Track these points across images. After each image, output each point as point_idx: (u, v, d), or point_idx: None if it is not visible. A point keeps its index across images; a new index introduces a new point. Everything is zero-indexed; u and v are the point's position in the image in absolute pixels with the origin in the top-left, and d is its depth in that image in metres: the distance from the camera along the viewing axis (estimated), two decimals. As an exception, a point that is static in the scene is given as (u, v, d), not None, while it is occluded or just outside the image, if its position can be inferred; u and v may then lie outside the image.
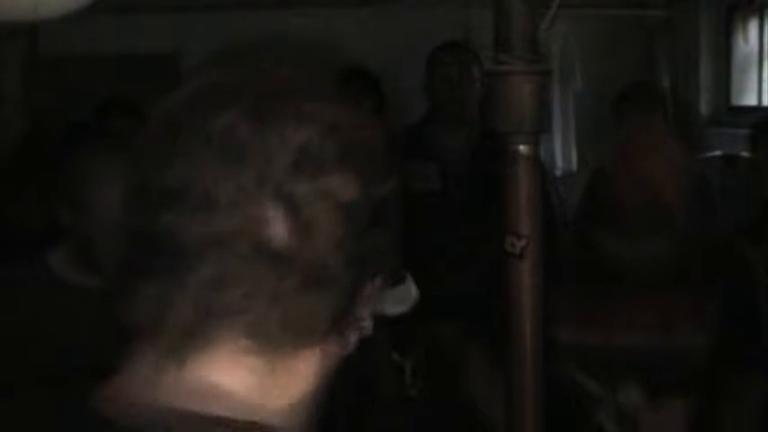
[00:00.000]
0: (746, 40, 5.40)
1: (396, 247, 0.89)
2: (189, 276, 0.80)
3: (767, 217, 3.41)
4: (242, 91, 0.84)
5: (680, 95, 5.55)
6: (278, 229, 0.79)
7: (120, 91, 4.40)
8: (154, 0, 5.16)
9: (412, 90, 3.82)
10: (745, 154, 4.77)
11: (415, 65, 3.81)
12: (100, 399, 0.84)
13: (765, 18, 5.32)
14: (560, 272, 2.02)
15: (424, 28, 4.79)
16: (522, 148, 1.46)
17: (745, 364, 2.06)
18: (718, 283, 2.08)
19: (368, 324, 0.89)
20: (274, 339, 0.82)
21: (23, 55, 5.30)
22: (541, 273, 1.52)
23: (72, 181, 2.14)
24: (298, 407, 0.87)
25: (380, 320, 0.92)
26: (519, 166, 1.46)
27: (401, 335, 0.93)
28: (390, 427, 2.19)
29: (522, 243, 1.47)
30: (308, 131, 0.81)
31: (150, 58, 5.28)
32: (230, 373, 0.83)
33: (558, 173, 5.64)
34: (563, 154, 5.77)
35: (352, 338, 0.89)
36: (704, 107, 5.53)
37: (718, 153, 4.80)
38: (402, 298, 0.94)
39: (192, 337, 0.82)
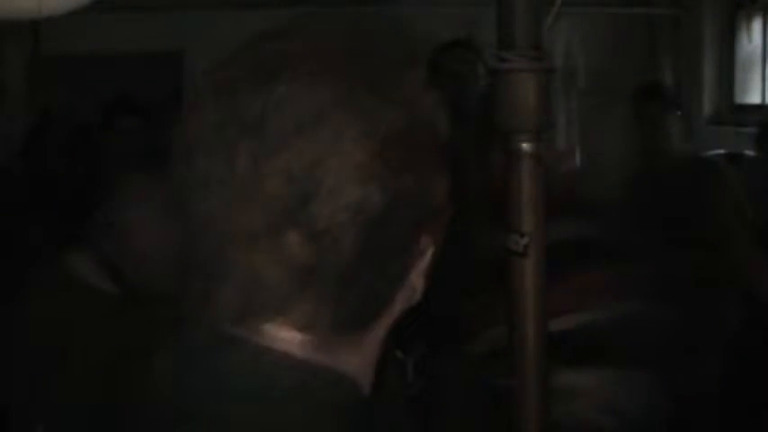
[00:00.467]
0: (750, 38, 5.40)
1: (446, 218, 0.91)
2: (226, 287, 0.83)
3: None
4: (237, 122, 0.83)
5: (683, 94, 5.54)
6: (299, 252, 0.81)
7: (123, 89, 4.40)
8: (157, -1, 5.16)
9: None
10: (748, 152, 4.76)
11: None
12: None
13: (769, 16, 5.32)
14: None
15: (427, 26, 4.78)
16: (525, 145, 1.45)
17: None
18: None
19: (420, 289, 0.91)
20: (320, 328, 0.84)
21: (27, 53, 5.30)
22: (545, 271, 1.52)
23: (111, 199, 2.16)
24: (364, 368, 0.90)
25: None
26: (522, 163, 1.46)
27: (403, 332, 0.93)
28: (392, 424, 2.18)
29: (525, 241, 1.47)
30: (309, 155, 0.81)
31: (154, 56, 5.28)
32: (283, 342, 0.85)
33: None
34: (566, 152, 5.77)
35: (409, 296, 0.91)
36: (708, 105, 5.52)
37: (721, 151, 4.80)
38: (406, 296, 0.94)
39: (240, 321, 0.84)
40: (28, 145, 4.38)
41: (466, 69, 3.61)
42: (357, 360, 0.89)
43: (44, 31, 5.09)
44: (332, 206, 0.81)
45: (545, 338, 1.56)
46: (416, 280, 0.89)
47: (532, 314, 1.53)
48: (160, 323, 0.95)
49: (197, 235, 0.84)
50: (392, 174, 0.83)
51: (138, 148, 3.61)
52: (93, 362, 2.00)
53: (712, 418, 3.44)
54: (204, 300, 0.84)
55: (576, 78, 5.67)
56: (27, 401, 2.09)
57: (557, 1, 1.47)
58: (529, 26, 1.45)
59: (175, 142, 0.86)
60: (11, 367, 2.13)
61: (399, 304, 0.90)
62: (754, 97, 5.39)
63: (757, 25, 5.35)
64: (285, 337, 0.85)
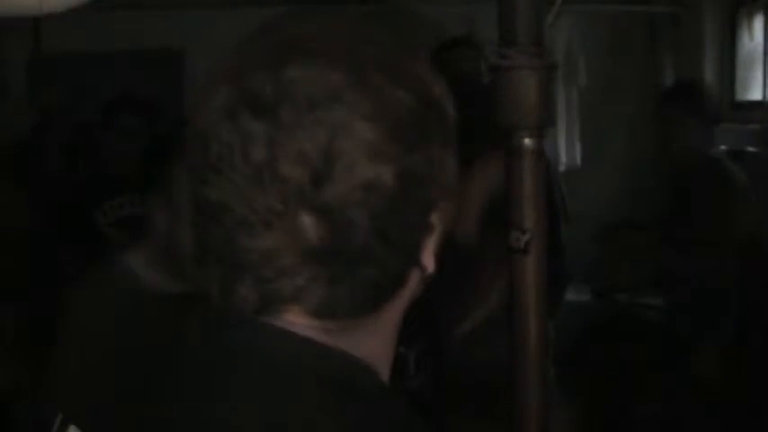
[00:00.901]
0: (752, 36, 5.39)
1: (455, 198, 0.91)
2: (244, 276, 0.84)
3: None
4: (252, 102, 0.84)
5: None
6: (313, 233, 0.82)
7: (124, 88, 4.39)
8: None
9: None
10: (750, 149, 4.76)
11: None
12: None
13: (770, 14, 5.31)
14: None
15: (431, 22, 4.78)
16: (526, 142, 1.46)
17: None
18: None
19: (430, 266, 0.92)
20: (337, 312, 0.85)
21: (27, 51, 5.30)
22: (546, 268, 1.52)
23: (170, 188, 2.14)
24: (382, 357, 0.92)
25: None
26: (524, 160, 1.46)
27: (404, 326, 0.93)
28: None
29: (527, 237, 1.47)
30: (321, 136, 0.82)
31: (155, 53, 5.28)
32: (303, 329, 0.86)
33: (562, 168, 5.64)
34: (567, 149, 5.77)
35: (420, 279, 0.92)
36: (709, 103, 5.51)
37: (723, 148, 4.79)
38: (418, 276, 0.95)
39: (259, 314, 0.86)
40: (29, 143, 4.39)
41: (467, 67, 3.61)
42: (374, 344, 0.90)
43: (45, 28, 5.09)
44: (345, 185, 0.82)
45: (546, 336, 1.57)
46: (428, 259, 0.90)
47: (534, 311, 1.53)
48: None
49: (211, 223, 0.85)
50: (404, 152, 0.84)
51: (140, 146, 3.60)
52: (146, 363, 1.99)
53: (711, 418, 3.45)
54: (224, 293, 0.86)
55: (576, 76, 5.67)
56: (75, 404, 2.09)
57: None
58: (530, 23, 1.45)
59: (188, 130, 0.87)
60: (67, 371, 2.13)
61: (412, 283, 0.91)
62: (755, 94, 5.39)
63: (758, 23, 5.34)
64: (303, 323, 0.86)
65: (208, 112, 0.86)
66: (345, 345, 0.87)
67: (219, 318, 0.89)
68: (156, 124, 3.75)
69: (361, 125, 0.82)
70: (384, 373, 0.92)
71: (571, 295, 3.55)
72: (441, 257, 0.92)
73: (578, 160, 5.79)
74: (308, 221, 0.82)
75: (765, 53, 5.27)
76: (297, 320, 0.86)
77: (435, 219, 0.89)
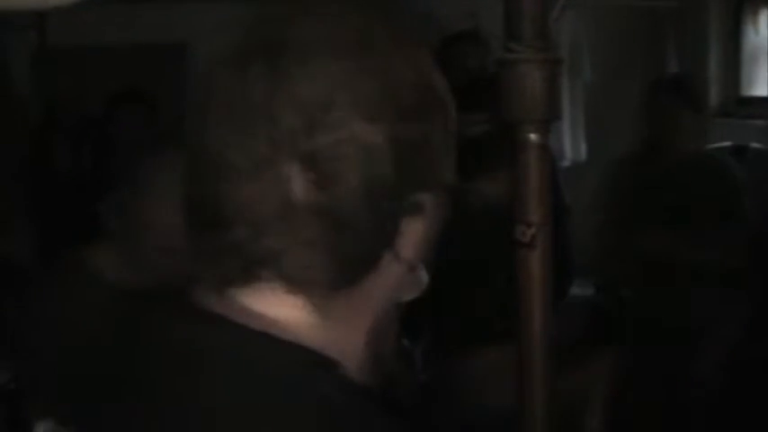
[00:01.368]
0: (757, 30, 5.38)
1: (446, 194, 0.91)
2: (227, 235, 0.84)
3: None
4: (260, 50, 0.85)
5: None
6: (299, 185, 0.82)
7: (127, 81, 4.40)
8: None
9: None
10: (754, 145, 4.76)
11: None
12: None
13: (776, 9, 5.30)
14: None
15: (434, 17, 4.78)
16: (532, 136, 1.45)
17: None
18: None
19: (423, 274, 0.91)
20: (312, 281, 0.85)
21: (32, 47, 5.30)
22: (552, 262, 1.52)
23: (130, 188, 2.14)
24: (351, 351, 0.89)
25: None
26: (529, 154, 1.46)
27: (411, 321, 0.93)
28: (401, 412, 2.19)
29: (533, 231, 1.47)
30: (320, 85, 0.82)
31: (158, 48, 5.28)
32: (275, 307, 0.86)
33: (567, 163, 5.63)
34: (572, 144, 5.76)
35: (409, 288, 0.91)
36: (714, 98, 5.51)
37: (727, 144, 4.79)
38: (413, 283, 0.94)
39: (233, 281, 0.86)
40: (34, 138, 4.39)
41: (473, 61, 3.61)
42: (344, 332, 0.88)
43: (49, 24, 5.09)
44: (336, 137, 0.81)
45: (552, 330, 1.56)
46: (407, 249, 0.89)
47: (539, 306, 1.53)
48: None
49: (201, 173, 0.85)
50: (400, 119, 0.84)
51: (144, 139, 3.61)
52: (112, 359, 2.00)
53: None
54: (206, 261, 0.86)
55: (582, 71, 5.66)
56: (43, 398, 2.10)
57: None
58: (535, 17, 1.45)
59: (194, 79, 0.89)
60: (31, 365, 2.13)
61: (386, 271, 0.88)
62: (760, 90, 5.38)
63: (763, 18, 5.33)
64: (275, 300, 0.85)
65: (214, 59, 0.87)
66: (314, 331, 0.86)
67: (178, 316, 0.89)
68: (160, 117, 3.76)
69: (362, 83, 0.83)
70: (354, 364, 0.89)
71: (575, 289, 3.55)
72: (445, 257, 0.91)
73: (583, 155, 5.78)
74: (295, 171, 0.81)
75: (770, 48, 5.26)
76: (271, 294, 0.85)
77: (424, 199, 0.88)
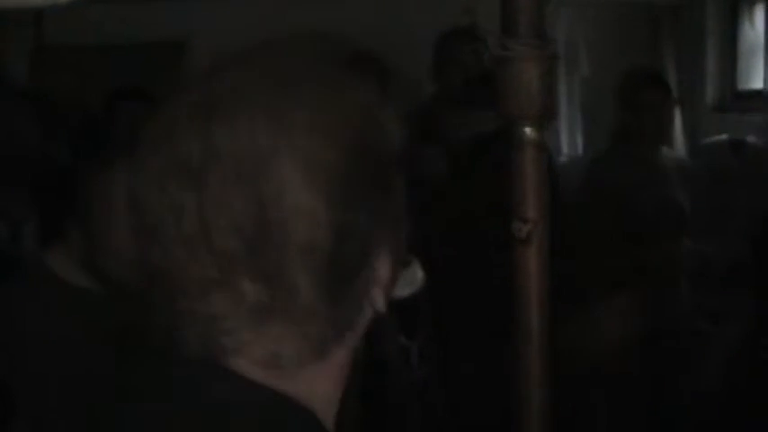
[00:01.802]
0: (753, 25, 5.38)
1: (402, 227, 0.90)
2: (189, 330, 0.84)
3: None
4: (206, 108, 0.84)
5: (686, 81, 5.53)
6: (255, 297, 0.82)
7: (125, 79, 4.39)
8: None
9: (415, 75, 3.82)
10: (751, 139, 4.76)
11: (419, 51, 3.81)
12: None
13: (772, 3, 5.30)
14: None
15: (429, 13, 4.79)
16: (528, 132, 1.46)
17: None
18: None
19: (419, 271, 0.92)
20: (282, 366, 0.85)
21: (30, 44, 5.29)
22: (548, 258, 1.52)
23: (84, 189, 2.15)
24: (326, 402, 0.90)
25: (387, 304, 0.92)
26: (525, 150, 1.46)
27: (407, 318, 0.93)
28: (397, 409, 2.20)
29: (529, 227, 1.47)
30: (256, 204, 0.81)
31: (157, 46, 5.27)
32: (249, 374, 0.85)
33: (564, 159, 5.63)
34: (568, 140, 5.76)
35: (363, 319, 0.91)
36: (710, 92, 5.52)
37: (724, 138, 4.79)
38: (409, 280, 0.94)
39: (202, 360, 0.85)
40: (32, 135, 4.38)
41: (469, 57, 3.61)
42: (321, 386, 0.89)
43: (47, 21, 5.09)
44: (281, 252, 0.81)
45: (549, 327, 1.57)
46: (377, 299, 0.89)
47: (536, 302, 1.53)
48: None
49: (153, 281, 0.85)
50: (341, 212, 0.82)
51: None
52: (74, 361, 2.01)
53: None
54: (168, 338, 0.85)
55: (578, 67, 5.66)
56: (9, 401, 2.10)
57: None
58: (532, 13, 1.45)
59: (127, 194, 0.87)
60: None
61: (361, 326, 0.90)
62: (756, 84, 5.38)
63: (760, 12, 5.33)
64: (247, 371, 0.85)
65: (140, 179, 0.85)
66: (290, 387, 0.86)
67: (165, 357, 0.88)
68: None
69: (293, 194, 0.81)
70: (329, 413, 0.90)
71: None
72: (444, 253, 0.92)
73: (580, 151, 5.78)
74: (247, 287, 0.82)
75: (767, 43, 5.26)
76: (241, 368, 0.85)
77: (380, 263, 0.88)
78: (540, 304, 1.53)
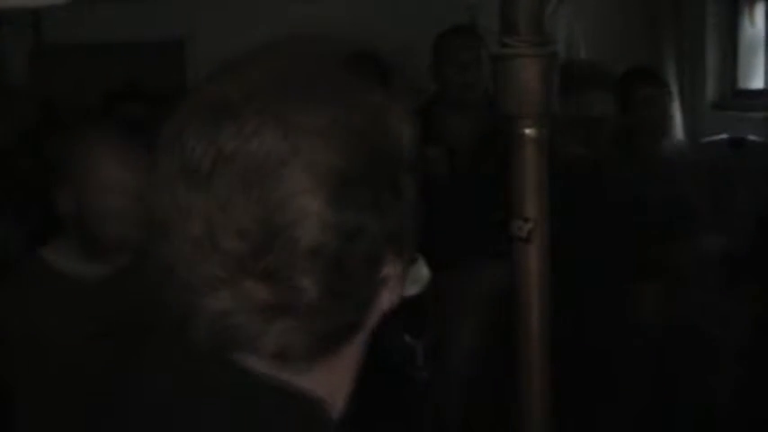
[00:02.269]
0: (753, 23, 5.38)
1: (411, 226, 0.91)
2: (199, 323, 0.86)
3: None
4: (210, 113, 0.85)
5: (686, 78, 5.53)
6: (261, 296, 0.83)
7: (125, 79, 4.39)
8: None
9: (415, 75, 3.82)
10: (751, 137, 4.76)
11: (418, 49, 3.80)
12: None
13: (772, 1, 5.29)
14: None
15: (428, 12, 4.78)
16: (528, 130, 1.46)
17: None
18: None
19: (424, 269, 0.93)
20: (292, 360, 0.87)
21: (28, 44, 5.29)
22: (549, 256, 1.52)
23: (74, 166, 2.15)
24: (337, 395, 0.92)
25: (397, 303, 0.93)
26: (526, 148, 1.46)
27: (412, 316, 0.93)
28: (402, 408, 2.20)
29: (530, 226, 1.47)
30: (263, 208, 0.82)
31: (155, 45, 5.27)
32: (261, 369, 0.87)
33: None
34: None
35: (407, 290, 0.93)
36: (710, 90, 5.51)
37: (724, 136, 4.79)
38: (414, 279, 0.94)
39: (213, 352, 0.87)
40: (30, 136, 4.38)
41: (469, 56, 3.60)
42: (332, 380, 0.91)
43: (45, 21, 5.08)
44: (287, 256, 0.82)
45: (549, 324, 1.57)
46: (386, 300, 0.91)
47: (537, 299, 1.53)
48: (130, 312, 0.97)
49: (162, 277, 0.87)
50: (348, 217, 0.83)
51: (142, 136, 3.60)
52: (65, 351, 2.02)
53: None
54: (176, 330, 0.87)
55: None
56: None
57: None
58: (531, 11, 1.45)
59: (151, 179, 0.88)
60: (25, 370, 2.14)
61: (371, 323, 0.91)
62: (756, 82, 5.38)
63: (760, 10, 5.32)
64: (257, 365, 0.86)
65: (152, 180, 0.87)
66: (300, 382, 0.87)
67: (178, 349, 0.90)
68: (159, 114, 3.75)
69: (300, 198, 0.81)
70: (340, 406, 0.92)
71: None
72: (443, 253, 0.92)
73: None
74: (253, 286, 0.83)
75: (767, 40, 5.26)
76: (251, 361, 0.87)
77: (389, 267, 0.89)
78: (541, 301, 1.54)
